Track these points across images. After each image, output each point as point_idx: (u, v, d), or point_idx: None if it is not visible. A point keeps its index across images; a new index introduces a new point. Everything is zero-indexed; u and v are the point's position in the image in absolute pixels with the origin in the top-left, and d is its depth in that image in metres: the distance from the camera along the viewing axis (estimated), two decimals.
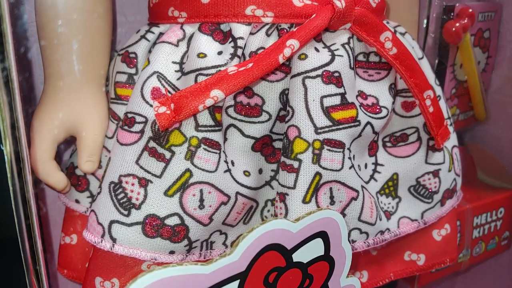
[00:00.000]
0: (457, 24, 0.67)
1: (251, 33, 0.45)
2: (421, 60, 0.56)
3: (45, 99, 0.48)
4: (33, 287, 0.39)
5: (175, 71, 0.46)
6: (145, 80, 0.45)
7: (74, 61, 0.48)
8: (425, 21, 0.69)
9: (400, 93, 0.52)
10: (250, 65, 0.42)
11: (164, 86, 0.45)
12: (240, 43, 0.44)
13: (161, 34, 0.49)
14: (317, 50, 0.46)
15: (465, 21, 0.68)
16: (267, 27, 0.45)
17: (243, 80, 0.42)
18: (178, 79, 0.45)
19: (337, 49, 0.46)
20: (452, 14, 0.68)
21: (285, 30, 0.45)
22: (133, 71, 0.49)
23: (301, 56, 0.45)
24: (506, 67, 0.77)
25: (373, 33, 0.47)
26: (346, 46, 0.47)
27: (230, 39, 0.45)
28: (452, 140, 0.55)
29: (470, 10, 0.68)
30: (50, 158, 0.48)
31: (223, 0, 0.45)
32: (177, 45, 0.46)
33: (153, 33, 0.49)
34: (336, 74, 0.45)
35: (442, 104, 0.55)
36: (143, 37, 0.49)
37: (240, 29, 0.45)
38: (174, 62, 0.46)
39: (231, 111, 0.46)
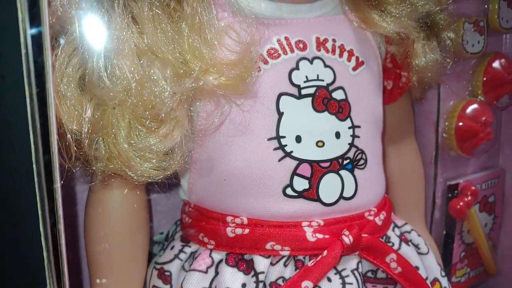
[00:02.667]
0: (461, 203, 0.73)
1: (271, 264, 0.52)
2: (427, 255, 0.62)
3: None
4: None
5: None
6: None
7: (115, 276, 0.55)
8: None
9: None
10: None
11: None
12: (261, 277, 0.51)
13: (192, 253, 0.56)
14: (329, 280, 0.52)
15: (469, 198, 0.73)
16: (285, 258, 0.52)
17: None
18: None
19: (347, 276, 0.52)
20: (456, 191, 0.74)
21: (301, 262, 0.52)
22: (167, 287, 0.55)
23: None
24: None
25: (379, 256, 0.54)
26: (355, 272, 0.53)
27: (253, 273, 0.52)
28: None
29: (473, 188, 0.74)
30: None
31: (246, 236, 0.52)
32: (206, 272, 0.53)
33: (185, 253, 0.56)
34: None
35: None
36: (176, 256, 0.56)
37: (261, 262, 0.51)
38: None
39: None
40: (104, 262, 0.55)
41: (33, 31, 0.33)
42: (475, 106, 0.72)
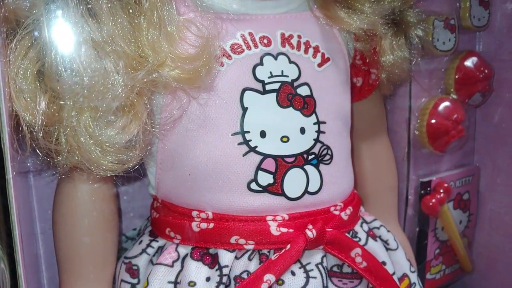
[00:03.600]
0: (434, 200, 0.73)
1: (236, 257, 0.52)
2: (396, 251, 0.62)
3: None
4: None
5: None
6: None
7: (83, 269, 0.55)
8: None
9: None
10: None
11: None
12: (225, 271, 0.51)
13: (159, 248, 0.56)
14: (293, 273, 0.52)
15: (441, 195, 0.74)
16: (249, 252, 0.52)
17: None
18: None
19: (312, 270, 0.53)
20: (429, 188, 0.74)
21: (265, 256, 0.52)
22: (135, 281, 0.56)
23: (278, 282, 0.51)
24: (487, 224, 0.82)
25: (344, 251, 0.54)
26: (320, 266, 0.53)
27: (217, 266, 0.52)
28: None
29: (446, 185, 0.74)
30: None
31: (211, 230, 0.52)
32: (172, 266, 0.53)
33: (153, 247, 0.56)
34: None
35: None
36: (144, 251, 0.56)
37: (225, 257, 0.52)
38: (169, 282, 0.53)
39: None
40: (71, 257, 0.55)
41: None
42: (447, 103, 0.72)
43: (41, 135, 0.42)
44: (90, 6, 0.41)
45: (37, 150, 0.44)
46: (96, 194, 0.54)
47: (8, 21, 0.41)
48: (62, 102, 0.41)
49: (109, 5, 0.42)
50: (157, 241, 0.56)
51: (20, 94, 0.42)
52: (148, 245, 0.57)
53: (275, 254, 0.51)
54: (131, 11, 0.43)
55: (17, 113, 0.42)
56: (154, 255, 0.56)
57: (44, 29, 0.41)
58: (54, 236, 0.55)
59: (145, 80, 0.43)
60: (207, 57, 0.46)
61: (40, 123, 0.42)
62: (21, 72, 0.42)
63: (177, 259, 0.53)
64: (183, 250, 0.54)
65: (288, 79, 0.53)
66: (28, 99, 0.42)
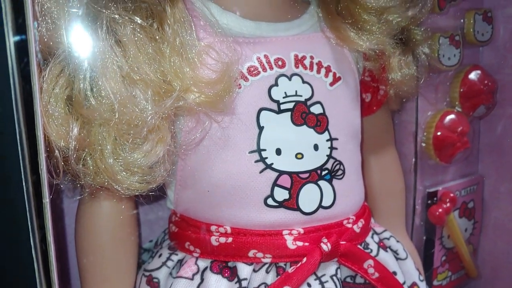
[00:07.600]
0: (440, 210, 0.75)
1: (254, 270, 0.55)
2: (405, 261, 0.64)
3: None
4: None
5: None
6: None
7: (106, 284, 0.58)
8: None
9: None
10: None
11: None
12: (244, 283, 0.54)
13: (179, 261, 0.58)
14: (309, 285, 0.54)
15: (448, 205, 0.76)
16: (267, 265, 0.55)
17: None
18: None
19: (327, 281, 0.55)
20: (435, 198, 0.77)
21: (282, 269, 0.54)
22: None
23: None
24: (491, 231, 0.85)
25: (357, 262, 0.57)
26: (334, 277, 0.55)
27: (236, 279, 0.54)
28: None
29: (452, 195, 0.77)
30: None
31: (230, 244, 0.54)
32: (192, 279, 0.55)
33: (172, 260, 0.58)
34: None
35: None
36: (164, 264, 0.58)
37: (244, 270, 0.54)
38: None
39: None
40: (94, 271, 0.57)
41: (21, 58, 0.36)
42: (452, 116, 0.74)
43: (73, 159, 0.44)
44: (118, 35, 0.44)
45: (67, 172, 0.46)
46: (118, 212, 0.56)
47: (41, 52, 0.43)
48: (93, 127, 0.44)
49: (135, 34, 0.44)
50: (176, 255, 0.59)
51: (52, 120, 0.44)
52: (168, 259, 0.59)
53: (292, 267, 0.54)
54: (156, 38, 0.46)
55: (48, 139, 0.44)
56: (173, 268, 0.58)
57: (74, 57, 0.43)
58: (77, 252, 0.58)
59: (172, 107, 0.45)
60: (227, 81, 0.48)
61: (72, 148, 0.44)
62: (53, 99, 0.44)
63: (197, 272, 0.56)
64: (203, 263, 0.56)
65: (302, 99, 0.55)
66: (61, 126, 0.44)
